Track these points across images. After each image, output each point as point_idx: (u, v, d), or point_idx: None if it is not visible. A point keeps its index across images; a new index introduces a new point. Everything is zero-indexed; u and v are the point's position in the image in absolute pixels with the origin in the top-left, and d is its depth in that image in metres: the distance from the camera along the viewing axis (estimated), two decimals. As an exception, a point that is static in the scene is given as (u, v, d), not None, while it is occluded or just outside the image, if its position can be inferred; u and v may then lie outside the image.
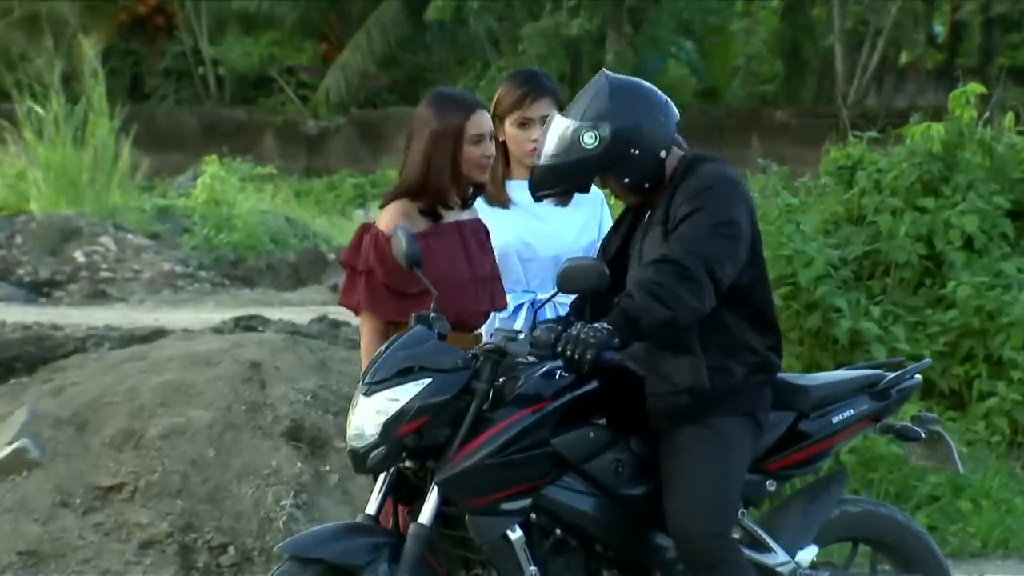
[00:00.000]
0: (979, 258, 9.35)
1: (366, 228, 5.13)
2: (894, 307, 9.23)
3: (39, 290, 15.36)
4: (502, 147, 5.50)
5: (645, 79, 5.03)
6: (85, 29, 31.48)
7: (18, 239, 16.42)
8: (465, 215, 5.23)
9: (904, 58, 35.94)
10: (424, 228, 5.09)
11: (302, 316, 10.67)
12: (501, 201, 5.54)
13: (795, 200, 9.83)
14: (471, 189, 5.22)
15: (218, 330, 9.56)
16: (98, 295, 15.04)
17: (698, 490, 4.68)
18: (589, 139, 4.77)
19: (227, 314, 10.96)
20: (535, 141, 5.35)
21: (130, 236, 17.10)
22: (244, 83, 35.39)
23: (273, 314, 10.76)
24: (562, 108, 5.37)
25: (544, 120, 5.35)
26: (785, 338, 9.14)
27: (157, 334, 9.54)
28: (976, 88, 9.75)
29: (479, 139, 5.09)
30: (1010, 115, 9.90)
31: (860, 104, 28.34)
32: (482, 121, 5.11)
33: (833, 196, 9.82)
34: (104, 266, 16.16)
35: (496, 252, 5.36)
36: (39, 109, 18.88)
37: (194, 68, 35.38)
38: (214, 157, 20.99)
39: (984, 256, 9.36)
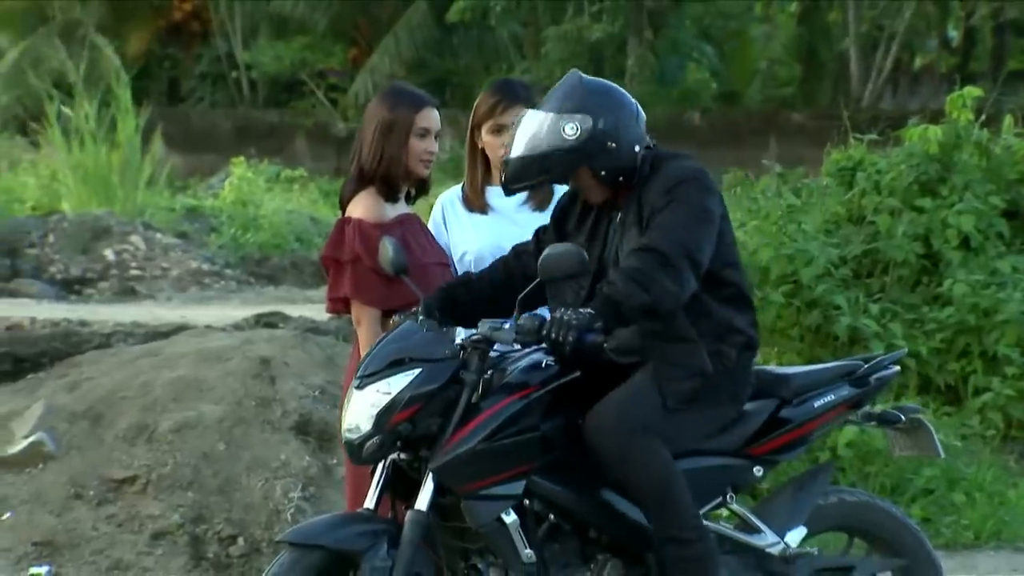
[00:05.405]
0: (975, 257, 9.46)
1: (346, 221, 5.30)
2: (892, 305, 9.33)
3: (70, 287, 15.42)
4: (481, 154, 5.57)
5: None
6: (122, 35, 31.83)
7: (50, 238, 16.48)
8: (404, 209, 5.42)
9: (918, 62, 35.90)
10: (394, 217, 5.31)
11: (323, 313, 10.73)
12: (480, 206, 5.60)
13: (797, 200, 9.96)
14: (413, 188, 5.42)
15: (239, 326, 9.54)
16: (127, 292, 15.06)
17: (620, 396, 4.80)
18: (570, 129, 4.83)
19: (251, 311, 10.91)
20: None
21: (159, 235, 17.12)
22: (276, 86, 35.62)
23: (295, 311, 10.72)
24: None
25: None
26: (786, 335, 9.36)
27: (181, 330, 9.44)
28: (973, 91, 9.83)
29: (424, 133, 5.30)
30: (1008, 118, 10.01)
31: (875, 107, 28.30)
32: (431, 116, 5.32)
33: (834, 196, 9.92)
34: (133, 264, 16.24)
35: (472, 257, 5.52)
36: (68, 111, 19.09)
37: (228, 72, 35.63)
38: (241, 159, 21.17)
39: (980, 255, 9.46)
